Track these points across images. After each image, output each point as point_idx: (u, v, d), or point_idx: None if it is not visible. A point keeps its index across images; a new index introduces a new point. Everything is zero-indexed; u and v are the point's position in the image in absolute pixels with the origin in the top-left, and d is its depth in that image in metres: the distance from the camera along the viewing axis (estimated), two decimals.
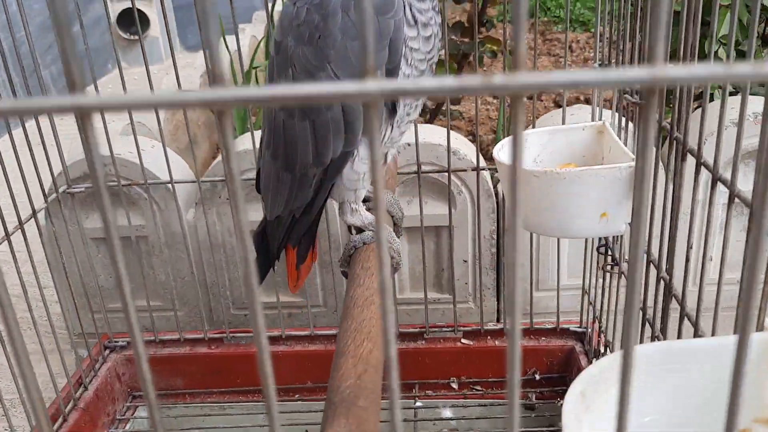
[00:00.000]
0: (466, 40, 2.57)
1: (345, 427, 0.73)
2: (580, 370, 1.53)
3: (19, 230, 1.47)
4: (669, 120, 1.10)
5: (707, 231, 1.06)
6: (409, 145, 1.81)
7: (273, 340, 1.82)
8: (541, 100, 3.52)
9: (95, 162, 0.34)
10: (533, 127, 1.56)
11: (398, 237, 1.20)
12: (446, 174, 1.65)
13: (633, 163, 1.15)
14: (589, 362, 1.70)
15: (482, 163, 1.66)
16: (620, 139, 1.35)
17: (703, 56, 2.02)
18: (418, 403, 1.78)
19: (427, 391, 1.81)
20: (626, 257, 1.46)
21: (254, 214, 1.81)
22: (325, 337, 1.82)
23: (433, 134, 1.88)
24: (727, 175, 0.93)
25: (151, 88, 1.60)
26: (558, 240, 1.75)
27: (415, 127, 1.54)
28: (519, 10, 0.29)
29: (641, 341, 1.24)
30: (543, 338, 1.78)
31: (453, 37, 2.55)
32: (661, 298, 1.16)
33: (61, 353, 1.62)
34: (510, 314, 0.34)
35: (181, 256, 2.00)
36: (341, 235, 1.96)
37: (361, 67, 0.32)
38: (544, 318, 1.83)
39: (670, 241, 1.12)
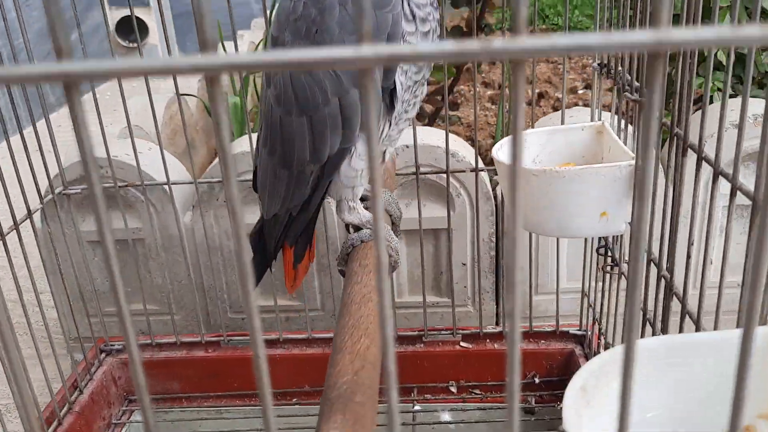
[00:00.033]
0: None
1: (342, 423, 0.72)
2: None
3: (15, 232, 1.46)
4: (669, 121, 1.09)
5: (708, 231, 1.05)
6: (407, 147, 1.80)
7: (270, 343, 1.80)
8: (540, 106, 3.52)
9: (83, 139, 0.33)
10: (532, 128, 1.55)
11: (396, 236, 1.19)
12: (445, 176, 1.64)
13: (633, 162, 1.14)
14: None
15: (481, 164, 1.65)
16: (620, 139, 1.34)
17: (702, 59, 2.02)
18: (417, 407, 1.77)
19: (425, 395, 1.80)
20: (626, 258, 1.45)
21: (252, 216, 1.80)
22: (323, 340, 1.81)
23: (432, 136, 1.87)
24: (729, 172, 0.92)
25: (151, 100, 1.59)
26: (557, 242, 1.74)
27: (414, 129, 1.54)
28: None
29: None
30: (542, 341, 1.77)
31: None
32: (661, 297, 1.15)
33: (56, 357, 1.61)
34: (509, 317, 0.33)
35: (178, 259, 1.99)
36: (339, 237, 1.95)
37: (358, 32, 0.31)
38: (544, 322, 1.81)
39: (670, 239, 1.11)
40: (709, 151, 1.02)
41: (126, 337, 0.35)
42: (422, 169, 1.64)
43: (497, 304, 2.05)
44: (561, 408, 0.99)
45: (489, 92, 3.85)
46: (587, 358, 1.70)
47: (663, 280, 1.12)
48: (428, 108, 2.87)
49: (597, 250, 1.53)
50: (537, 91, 3.74)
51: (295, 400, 1.82)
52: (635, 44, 0.30)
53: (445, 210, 1.74)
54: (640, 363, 0.41)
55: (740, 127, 0.87)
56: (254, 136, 1.56)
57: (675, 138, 1.05)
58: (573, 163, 1.34)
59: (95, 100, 1.60)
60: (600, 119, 1.44)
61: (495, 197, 1.91)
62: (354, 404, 0.75)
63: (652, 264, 1.20)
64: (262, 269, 1.24)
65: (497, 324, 2.04)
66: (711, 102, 2.07)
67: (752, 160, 1.76)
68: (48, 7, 0.31)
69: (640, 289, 0.34)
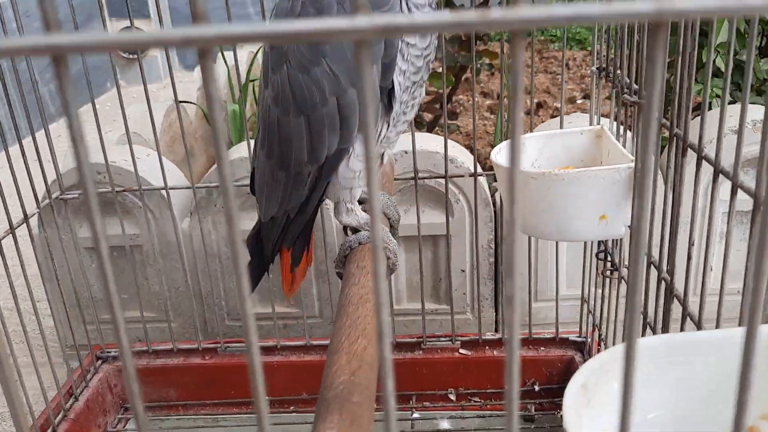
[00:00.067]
0: (464, 53, 2.57)
1: (338, 423, 0.71)
2: None
3: (11, 236, 1.45)
4: (668, 122, 1.09)
5: (708, 236, 1.04)
6: (406, 152, 1.80)
7: (268, 350, 1.79)
8: (538, 116, 3.52)
9: (72, 115, 0.32)
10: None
11: (394, 239, 1.18)
12: (443, 182, 1.63)
13: (632, 165, 1.14)
14: None
15: (479, 170, 1.65)
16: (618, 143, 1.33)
17: (700, 66, 2.02)
18: (416, 415, 1.75)
19: (424, 403, 1.78)
20: (626, 262, 1.44)
21: (250, 223, 1.79)
22: (321, 347, 1.79)
23: (430, 142, 1.87)
24: (729, 171, 0.91)
25: (149, 108, 1.59)
26: (557, 248, 1.73)
27: (412, 134, 1.53)
28: None
29: None
30: (542, 348, 1.76)
31: (450, 49, 2.55)
32: (662, 301, 1.14)
33: (52, 366, 1.59)
34: (508, 314, 0.32)
35: (175, 265, 1.98)
36: (337, 243, 1.94)
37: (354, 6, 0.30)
38: (543, 329, 1.80)
39: (670, 241, 1.10)
40: (709, 154, 1.01)
41: (120, 347, 0.34)
42: (421, 175, 1.64)
43: (496, 311, 2.04)
44: (561, 416, 0.98)
45: (488, 102, 3.85)
46: None
47: (663, 282, 1.11)
48: (427, 116, 2.87)
49: (596, 255, 1.52)
50: (536, 101, 3.75)
51: (292, 407, 1.81)
52: (636, 14, 0.30)
53: (443, 216, 1.73)
54: (640, 362, 0.40)
55: (741, 122, 0.86)
56: (252, 143, 1.56)
57: (675, 138, 1.04)
58: (572, 166, 1.34)
59: (94, 109, 1.59)
60: (599, 124, 1.44)
61: (494, 203, 1.91)
62: (351, 404, 0.74)
63: (652, 267, 1.19)
64: (260, 272, 1.23)
65: (496, 331, 2.03)
66: (710, 109, 2.07)
67: (752, 166, 1.76)
68: None
69: (641, 292, 0.33)
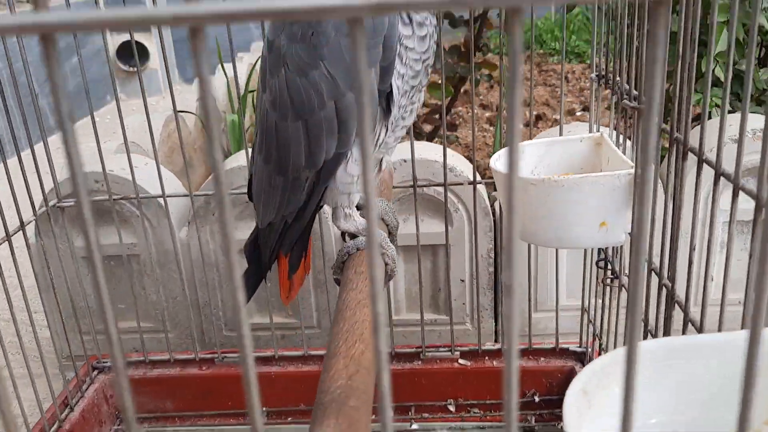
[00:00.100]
0: (463, 63, 2.58)
1: (335, 427, 0.70)
2: None
3: (6, 243, 1.44)
4: (669, 127, 1.08)
5: (709, 245, 1.03)
6: (405, 161, 1.79)
7: (266, 360, 1.77)
8: (537, 127, 3.52)
9: (60, 97, 0.31)
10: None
11: (393, 245, 1.17)
12: (442, 190, 1.63)
13: (632, 171, 1.13)
14: None
15: (478, 178, 1.64)
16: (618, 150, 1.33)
17: (700, 75, 2.02)
18: (415, 426, 1.73)
19: (423, 414, 1.76)
20: (626, 270, 1.43)
21: (247, 233, 1.79)
22: (319, 357, 1.78)
23: (429, 151, 1.86)
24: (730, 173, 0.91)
25: (148, 118, 1.59)
26: (557, 259, 1.72)
27: (411, 143, 1.53)
28: None
29: None
30: (542, 359, 1.74)
31: (449, 60, 2.55)
32: (663, 308, 1.13)
33: (48, 377, 1.58)
34: (508, 296, 0.31)
35: (173, 275, 1.97)
36: (335, 252, 1.93)
37: None
38: (543, 339, 1.79)
39: (671, 248, 1.09)
40: (710, 156, 1.01)
41: (113, 360, 0.33)
42: (419, 183, 1.63)
43: (496, 321, 2.03)
44: (561, 427, 0.97)
45: (487, 114, 3.85)
46: None
47: (664, 288, 1.10)
48: (426, 128, 2.87)
49: (597, 263, 1.51)
50: (535, 113, 3.75)
51: (290, 418, 1.79)
52: None
53: (443, 225, 1.73)
54: (641, 365, 0.39)
55: (741, 130, 0.85)
56: (251, 151, 1.56)
57: (675, 143, 1.04)
58: (572, 173, 1.33)
59: (93, 122, 1.59)
60: (599, 131, 1.43)
61: (493, 212, 1.90)
62: (348, 408, 0.72)
63: (653, 274, 1.18)
64: (257, 279, 1.22)
65: (496, 341, 2.02)
66: (709, 118, 2.06)
67: (752, 175, 1.75)
68: None
69: (642, 299, 0.32)
